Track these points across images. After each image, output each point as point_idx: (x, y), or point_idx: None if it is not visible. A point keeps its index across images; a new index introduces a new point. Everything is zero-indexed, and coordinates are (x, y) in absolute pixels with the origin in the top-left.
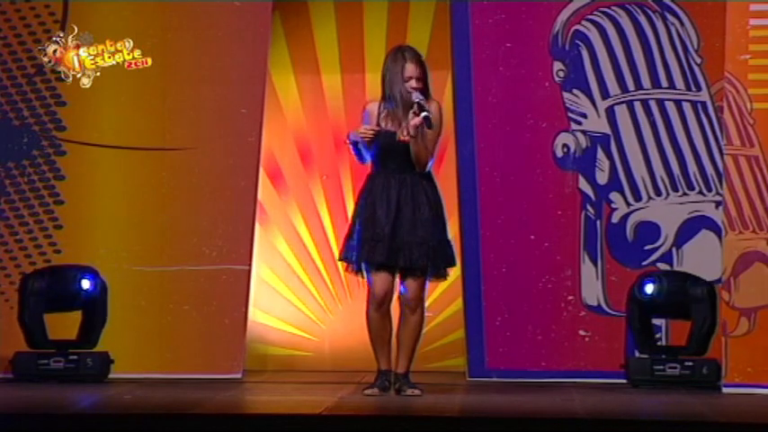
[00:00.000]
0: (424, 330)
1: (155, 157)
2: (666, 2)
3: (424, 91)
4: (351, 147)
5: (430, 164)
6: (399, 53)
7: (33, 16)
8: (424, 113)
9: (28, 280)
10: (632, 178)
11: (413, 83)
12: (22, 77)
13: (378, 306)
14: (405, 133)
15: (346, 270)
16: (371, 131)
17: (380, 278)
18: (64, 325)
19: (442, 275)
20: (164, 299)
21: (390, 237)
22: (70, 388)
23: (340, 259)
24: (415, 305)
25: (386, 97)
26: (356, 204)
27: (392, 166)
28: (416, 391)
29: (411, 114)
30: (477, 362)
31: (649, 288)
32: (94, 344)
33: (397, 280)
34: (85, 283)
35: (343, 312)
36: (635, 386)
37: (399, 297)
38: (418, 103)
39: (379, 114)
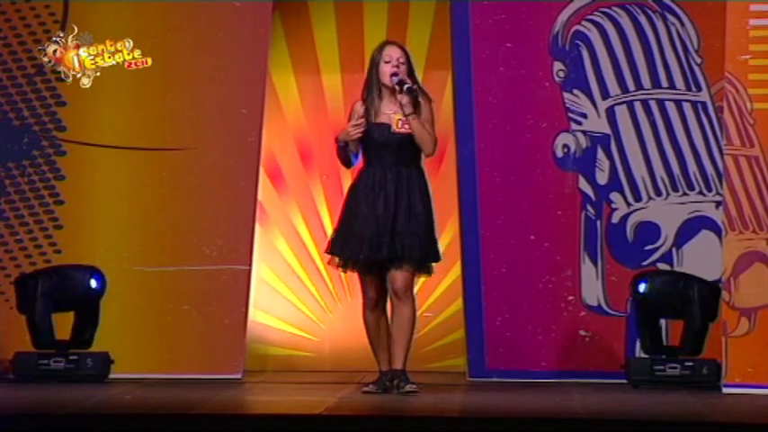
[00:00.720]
0: (425, 330)
1: (155, 157)
2: (666, 2)
3: (414, 80)
4: (338, 152)
5: (435, 149)
6: (381, 43)
7: (33, 16)
8: (405, 86)
9: (36, 280)
10: (632, 178)
11: (393, 62)
12: (23, 77)
13: (373, 307)
14: (399, 125)
15: (329, 263)
16: (361, 125)
17: (373, 278)
18: (62, 325)
19: (426, 270)
20: (164, 299)
21: (391, 232)
22: (70, 388)
23: (328, 252)
24: (404, 295)
25: (368, 88)
26: (349, 197)
27: (387, 160)
28: (414, 386)
29: (400, 96)
30: (477, 362)
31: (641, 287)
32: (90, 344)
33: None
34: (93, 284)
35: (343, 312)
36: (635, 386)
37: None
38: (399, 80)
39: (366, 111)
